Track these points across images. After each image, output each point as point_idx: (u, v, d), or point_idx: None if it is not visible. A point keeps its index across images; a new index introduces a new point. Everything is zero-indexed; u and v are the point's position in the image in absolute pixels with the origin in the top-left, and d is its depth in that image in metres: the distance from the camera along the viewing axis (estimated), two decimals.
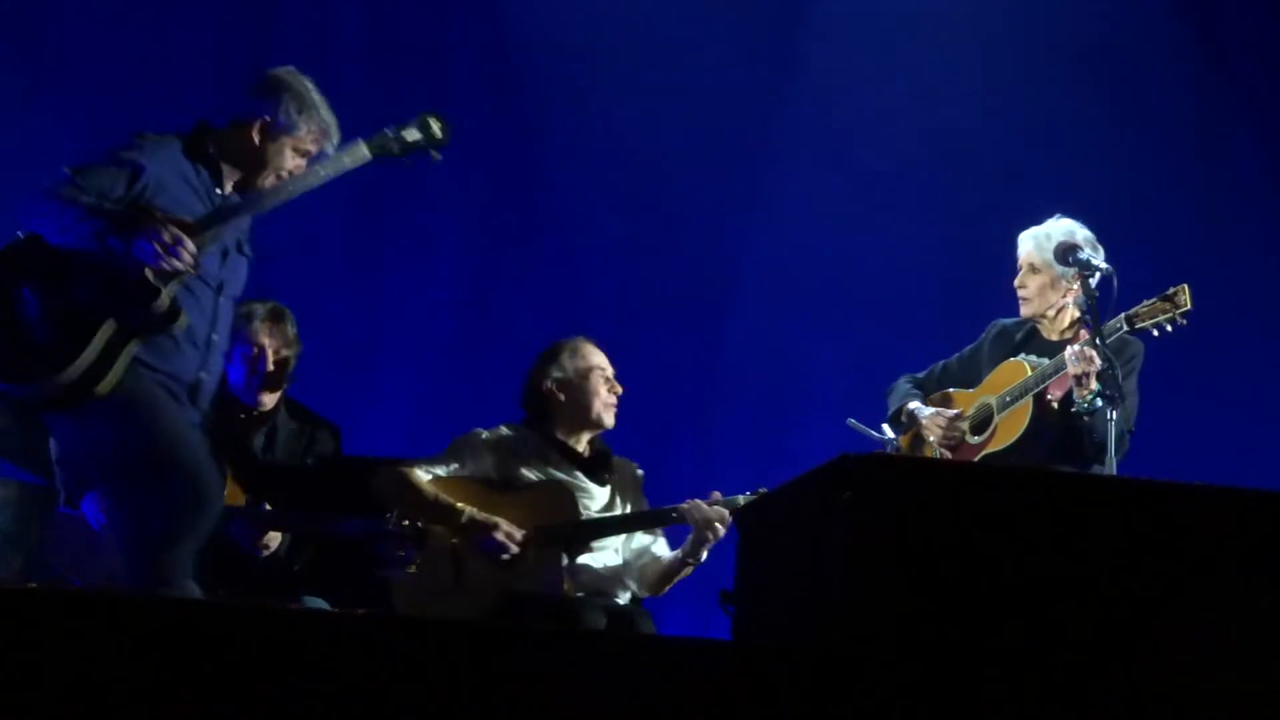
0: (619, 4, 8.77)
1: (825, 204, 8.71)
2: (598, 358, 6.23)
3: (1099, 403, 5.59)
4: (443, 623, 4.24)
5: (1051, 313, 6.06)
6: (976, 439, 6.00)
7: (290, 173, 5.16)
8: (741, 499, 5.93)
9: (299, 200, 8.54)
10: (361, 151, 5.22)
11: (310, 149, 5.17)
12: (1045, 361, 5.89)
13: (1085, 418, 5.69)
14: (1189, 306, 5.67)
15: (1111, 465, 5.52)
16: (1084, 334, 5.77)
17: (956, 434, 6.01)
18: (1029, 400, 5.88)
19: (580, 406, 6.16)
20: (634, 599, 6.17)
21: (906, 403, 6.19)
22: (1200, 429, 8.16)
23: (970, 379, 6.16)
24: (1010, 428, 5.92)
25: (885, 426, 6.30)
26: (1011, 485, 3.89)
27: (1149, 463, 5.60)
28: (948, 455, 5.99)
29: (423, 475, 6.03)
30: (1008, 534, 3.71)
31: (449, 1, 8.87)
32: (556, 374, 6.19)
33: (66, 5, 8.44)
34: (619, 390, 6.21)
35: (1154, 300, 5.72)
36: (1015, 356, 6.05)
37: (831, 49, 8.76)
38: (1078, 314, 5.98)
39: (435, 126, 5.33)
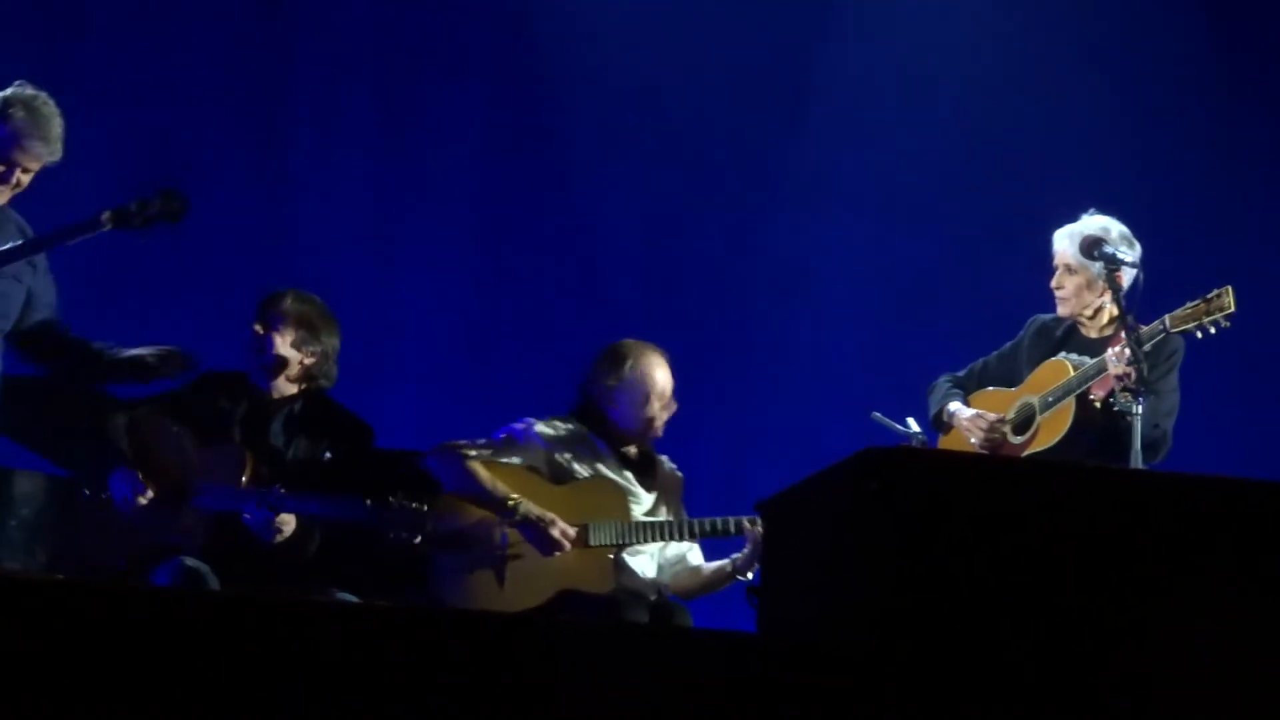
0: None
1: (850, 198, 8.70)
2: (658, 375, 6.13)
3: (1142, 402, 5.59)
4: (476, 615, 4.25)
5: (1089, 312, 6.03)
6: (1019, 439, 5.96)
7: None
8: None
9: (316, 194, 8.64)
10: (102, 221, 5.52)
11: (32, 166, 5.56)
12: (1087, 360, 5.86)
13: (1127, 417, 5.65)
14: (1232, 309, 5.62)
15: (1138, 459, 5.50)
16: (1122, 336, 5.73)
17: (997, 435, 5.97)
18: (1071, 400, 5.84)
19: (629, 419, 6.11)
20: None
21: (947, 403, 6.14)
22: (1247, 427, 8.15)
23: (1010, 376, 6.13)
24: (1053, 428, 5.88)
25: (910, 420, 6.27)
26: (1038, 479, 3.89)
27: (1198, 461, 5.59)
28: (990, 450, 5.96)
29: (478, 458, 6.00)
30: (1033, 528, 3.70)
31: None
32: (612, 381, 6.13)
33: (84, 14, 8.47)
34: (674, 409, 6.15)
35: (1196, 303, 5.67)
36: (1056, 355, 6.02)
37: (856, 43, 8.75)
38: (1116, 311, 5.95)
39: (175, 204, 5.57)
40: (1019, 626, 3.64)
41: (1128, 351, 5.58)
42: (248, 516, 5.69)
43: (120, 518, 5.84)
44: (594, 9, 8.72)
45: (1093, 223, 5.99)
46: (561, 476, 6.03)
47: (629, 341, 6.22)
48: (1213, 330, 5.66)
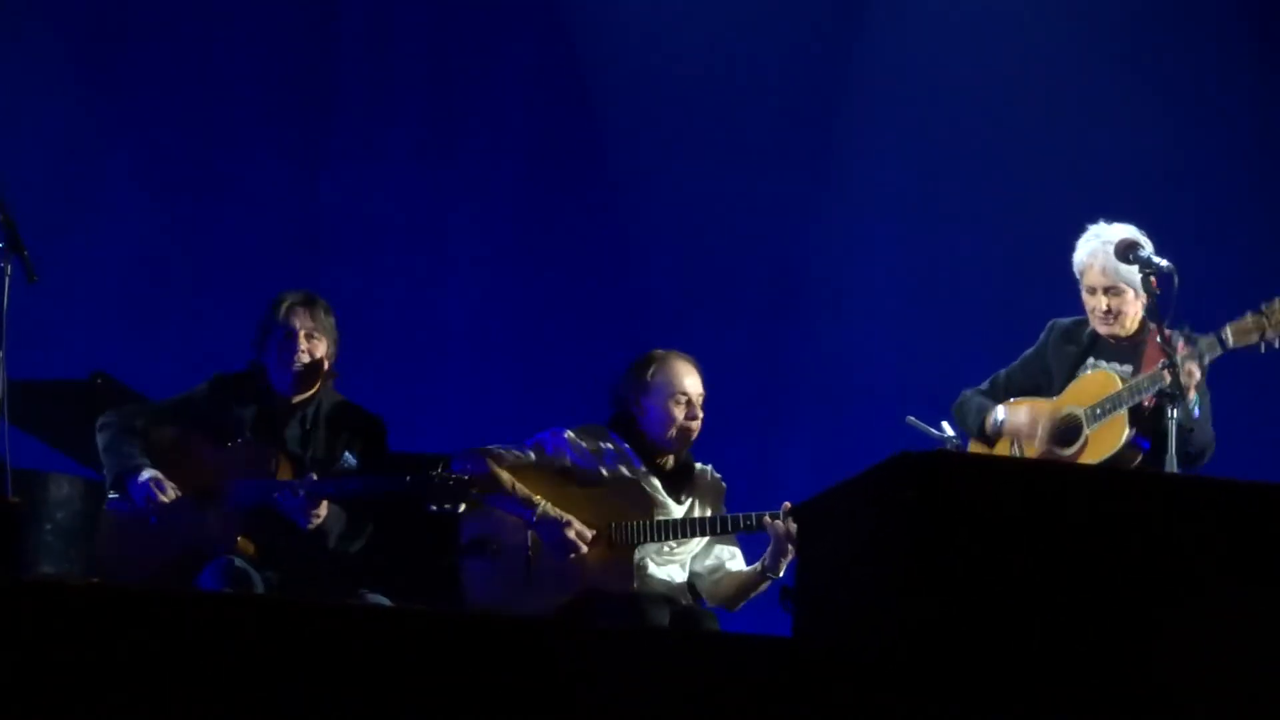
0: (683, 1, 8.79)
1: (885, 204, 8.70)
2: (684, 379, 6.09)
3: (1197, 413, 5.56)
4: (501, 619, 4.25)
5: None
6: (1066, 451, 5.91)
7: None
8: None
9: (357, 200, 8.69)
10: None
11: None
12: (1125, 369, 5.83)
13: (1187, 430, 5.62)
14: None
15: (1172, 464, 5.47)
16: (1181, 346, 5.67)
17: (1059, 431, 5.88)
18: (1124, 414, 5.80)
19: (654, 424, 6.10)
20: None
21: (988, 413, 6.02)
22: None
23: (1035, 384, 6.07)
24: (1106, 441, 5.83)
25: (944, 424, 6.24)
26: (1076, 483, 3.87)
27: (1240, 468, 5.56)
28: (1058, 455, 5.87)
29: (501, 461, 6.02)
30: (1073, 532, 3.68)
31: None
32: (640, 389, 6.12)
33: (126, 9, 8.53)
34: (698, 415, 6.10)
35: (1255, 314, 5.63)
36: (1086, 361, 5.97)
37: (895, 48, 8.75)
38: (1141, 312, 5.91)
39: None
40: (1059, 632, 3.62)
41: (1190, 364, 5.55)
42: (279, 498, 5.69)
43: (145, 522, 5.82)
44: (633, 15, 8.74)
45: (1113, 233, 5.93)
46: (587, 482, 6.05)
47: (657, 350, 6.22)
48: (1277, 344, 5.63)
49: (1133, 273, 5.80)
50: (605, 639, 3.58)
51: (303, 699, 3.41)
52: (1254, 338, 5.62)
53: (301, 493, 5.69)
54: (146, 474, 5.80)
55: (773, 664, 3.61)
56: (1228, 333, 5.66)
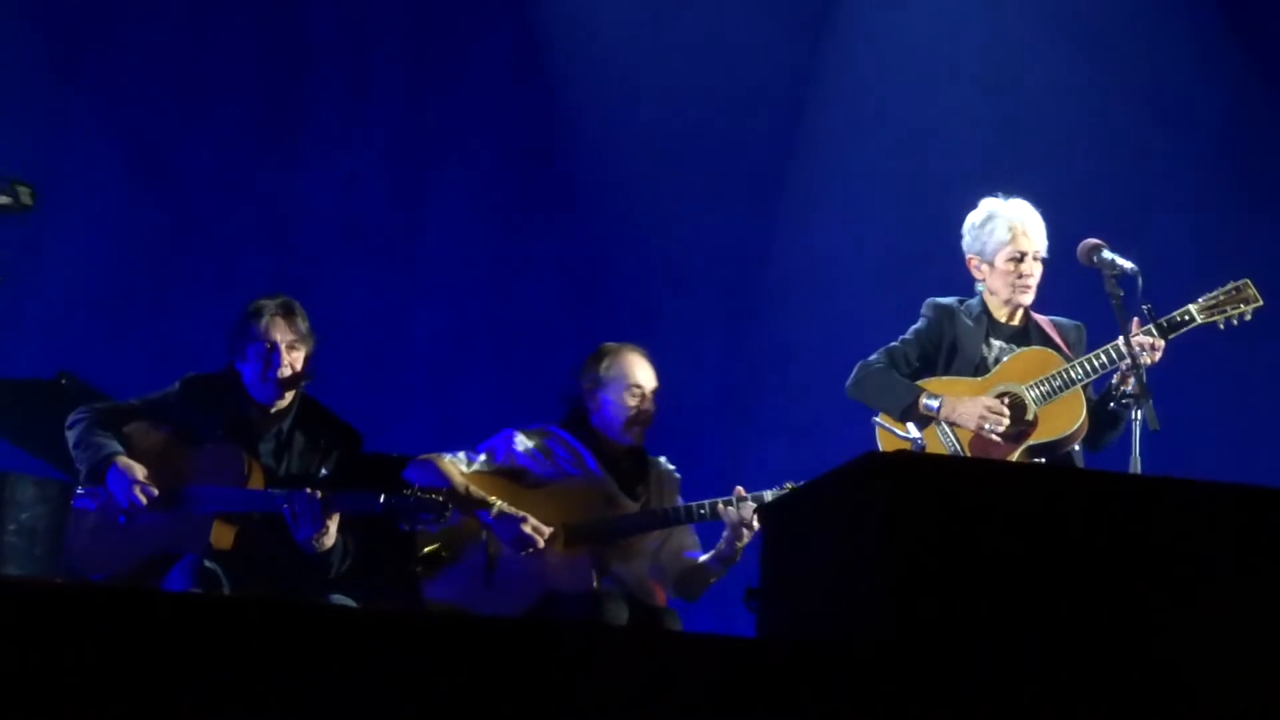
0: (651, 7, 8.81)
1: (856, 200, 8.72)
2: (635, 372, 6.13)
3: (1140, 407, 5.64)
4: (467, 619, 4.25)
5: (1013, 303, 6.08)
6: (1015, 429, 5.93)
7: None
8: (768, 495, 5.92)
9: (328, 199, 8.68)
10: None
11: None
12: (1059, 349, 5.92)
13: (1116, 410, 5.78)
14: (1260, 302, 5.76)
15: (1136, 465, 5.51)
16: (1136, 324, 5.72)
17: (1012, 428, 5.90)
18: (1080, 392, 5.84)
19: (609, 418, 6.12)
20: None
21: (918, 396, 5.96)
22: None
23: (930, 360, 6.06)
24: (1061, 418, 5.87)
25: (911, 426, 6.24)
26: (1042, 483, 3.89)
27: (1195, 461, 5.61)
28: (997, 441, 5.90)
29: (454, 466, 6.04)
30: (1035, 531, 3.70)
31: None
32: (592, 383, 6.15)
33: (100, 9, 8.51)
34: (649, 408, 6.12)
35: (1224, 289, 5.76)
36: (991, 341, 6.02)
37: (853, 50, 8.78)
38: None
39: (24, 193, 5.54)
40: (1020, 629, 3.64)
41: (1160, 343, 5.66)
42: (287, 513, 5.68)
43: (114, 521, 5.81)
44: (601, 19, 8.75)
45: (1003, 217, 6.02)
46: (540, 483, 6.06)
47: (608, 344, 6.24)
48: (1235, 323, 5.71)
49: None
50: (567, 638, 3.58)
51: (268, 700, 3.41)
52: (1219, 316, 5.71)
53: (302, 509, 5.69)
54: (123, 462, 5.78)
55: (737, 664, 3.61)
56: (1195, 312, 5.74)
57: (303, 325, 5.95)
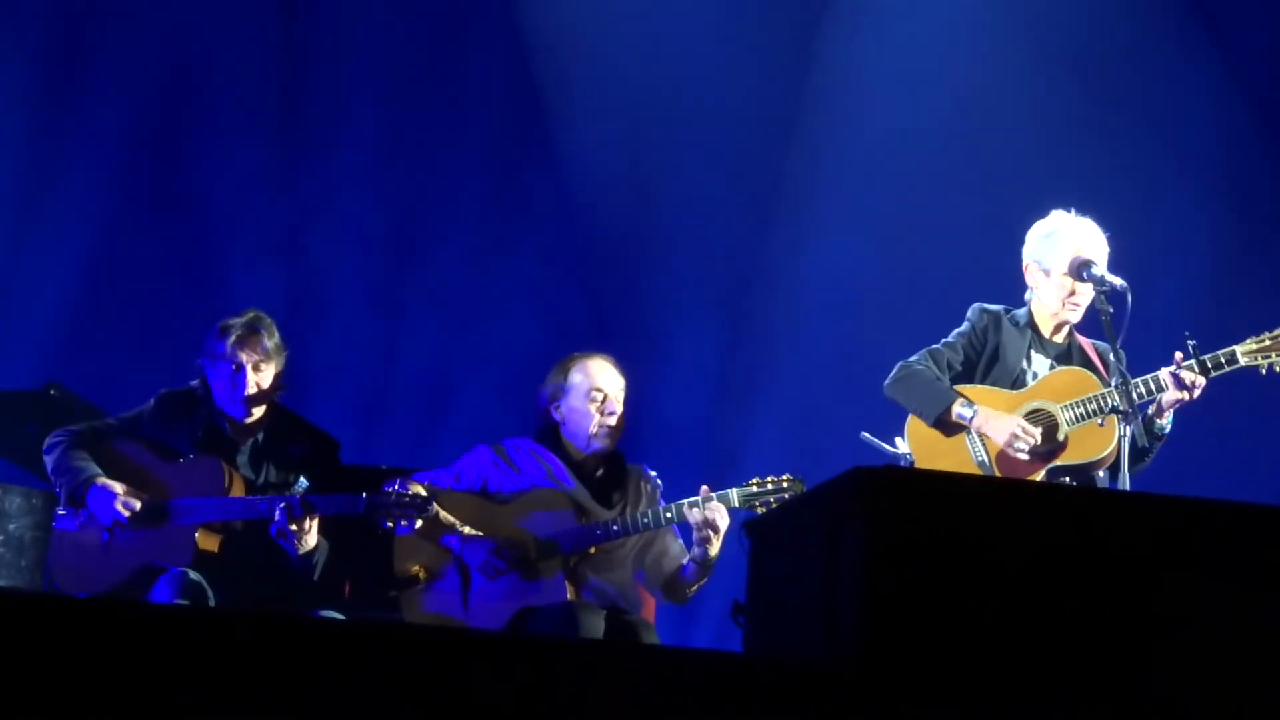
0: (640, 3, 8.81)
1: (847, 213, 8.73)
2: (596, 377, 6.09)
3: (1168, 428, 5.66)
4: (447, 632, 4.24)
5: (1058, 319, 6.06)
6: (1042, 448, 5.89)
7: None
8: (734, 493, 5.92)
9: (314, 210, 8.68)
10: None
11: None
12: (1098, 372, 5.89)
13: (1156, 440, 5.78)
14: None
15: (1124, 480, 5.51)
16: (1178, 356, 5.71)
17: (1041, 448, 5.86)
18: (1114, 419, 5.72)
19: (576, 427, 6.10)
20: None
21: (952, 403, 5.91)
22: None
23: (970, 366, 6.05)
24: (1091, 442, 5.83)
25: (898, 440, 6.24)
26: (1027, 500, 3.89)
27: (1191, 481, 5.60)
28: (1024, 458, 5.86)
29: (422, 489, 6.02)
30: (1020, 548, 3.70)
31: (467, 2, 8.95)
32: (558, 392, 6.12)
33: (85, 22, 8.51)
34: (614, 412, 6.07)
35: (1273, 334, 5.73)
36: (1032, 352, 6.00)
37: (848, 58, 8.80)
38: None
39: None
40: (1004, 646, 3.64)
41: (1201, 380, 5.65)
42: (273, 523, 5.69)
43: (96, 538, 5.80)
44: (592, 22, 8.76)
45: (1070, 233, 5.99)
46: (511, 499, 6.04)
47: (575, 354, 6.22)
48: (1279, 369, 5.72)
49: (1072, 280, 5.90)
50: (549, 654, 3.57)
51: (255, 715, 3.41)
52: (1263, 360, 5.71)
53: (295, 506, 5.69)
54: (102, 481, 5.79)
55: (724, 678, 3.61)
56: (1239, 355, 5.73)
57: (269, 342, 5.94)
